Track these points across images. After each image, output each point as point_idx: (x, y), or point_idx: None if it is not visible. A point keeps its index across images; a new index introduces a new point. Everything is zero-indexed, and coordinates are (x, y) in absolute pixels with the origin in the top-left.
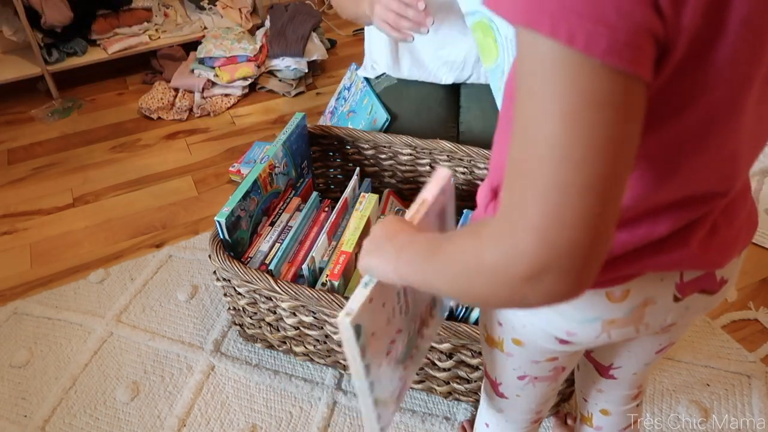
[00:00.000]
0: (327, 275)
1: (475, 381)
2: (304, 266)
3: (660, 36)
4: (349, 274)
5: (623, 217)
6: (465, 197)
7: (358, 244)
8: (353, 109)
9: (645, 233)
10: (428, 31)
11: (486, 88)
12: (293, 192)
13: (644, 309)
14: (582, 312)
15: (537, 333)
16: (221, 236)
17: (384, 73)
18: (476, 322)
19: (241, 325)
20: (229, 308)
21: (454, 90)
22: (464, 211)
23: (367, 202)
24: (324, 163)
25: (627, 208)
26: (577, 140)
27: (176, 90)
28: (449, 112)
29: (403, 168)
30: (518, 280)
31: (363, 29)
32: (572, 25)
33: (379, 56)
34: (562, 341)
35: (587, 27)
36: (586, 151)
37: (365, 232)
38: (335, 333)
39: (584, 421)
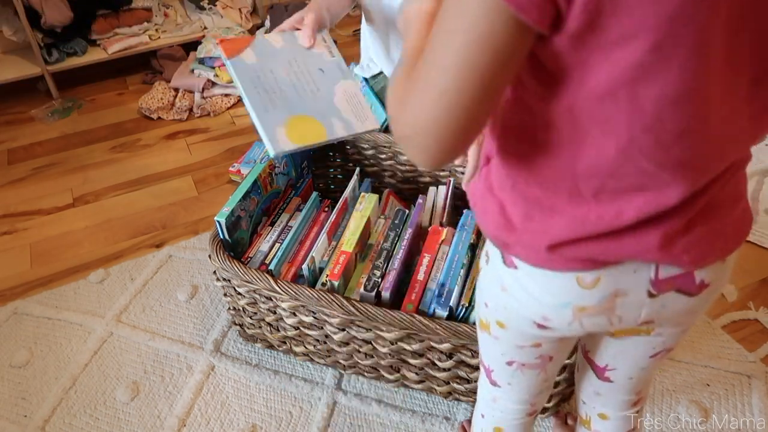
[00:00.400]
0: (327, 275)
1: (475, 381)
2: (304, 266)
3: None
4: (349, 274)
5: (592, 190)
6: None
7: (359, 244)
8: None
9: (613, 215)
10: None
11: None
12: (293, 192)
13: (615, 300)
14: (554, 296)
15: (516, 316)
16: (221, 236)
17: (381, 72)
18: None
19: (241, 325)
20: (229, 308)
21: None
22: (464, 211)
23: (367, 202)
24: (324, 163)
25: (590, 176)
26: (453, 57)
27: (176, 90)
28: None
29: (403, 168)
30: (396, 135)
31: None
32: None
33: (375, 54)
34: (540, 326)
35: None
36: (456, 68)
37: (365, 233)
38: (335, 333)
39: (583, 424)
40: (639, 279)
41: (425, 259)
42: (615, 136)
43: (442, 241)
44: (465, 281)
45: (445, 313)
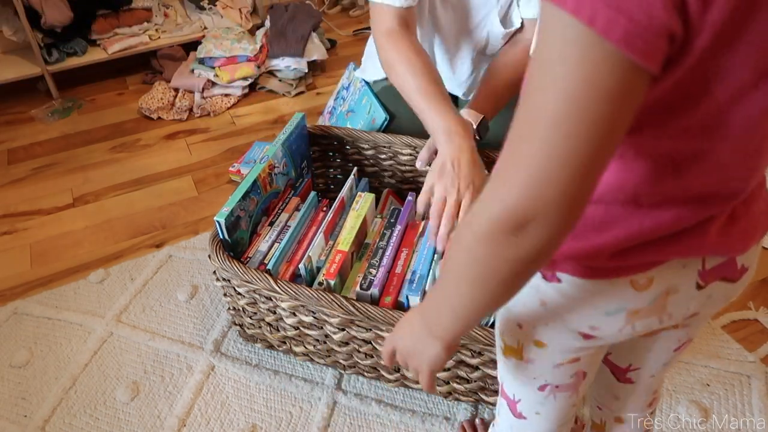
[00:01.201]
0: (323, 274)
1: (475, 381)
2: (301, 265)
3: (678, 36)
4: (345, 273)
5: (651, 203)
6: None
7: (354, 243)
8: (352, 109)
9: (671, 222)
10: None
11: None
12: (292, 192)
13: (667, 298)
14: (607, 303)
15: (560, 330)
16: (221, 236)
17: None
18: None
19: (241, 325)
20: (229, 308)
21: None
22: None
23: (363, 201)
24: (324, 163)
25: (653, 193)
26: (571, 114)
27: (176, 90)
28: None
29: (403, 168)
30: (509, 231)
31: (363, 30)
32: (595, 8)
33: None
34: (586, 336)
35: (608, 12)
36: (576, 126)
37: (361, 232)
38: (335, 333)
39: (596, 429)
40: (688, 273)
41: (403, 254)
42: (713, 160)
43: (420, 233)
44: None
45: (417, 299)
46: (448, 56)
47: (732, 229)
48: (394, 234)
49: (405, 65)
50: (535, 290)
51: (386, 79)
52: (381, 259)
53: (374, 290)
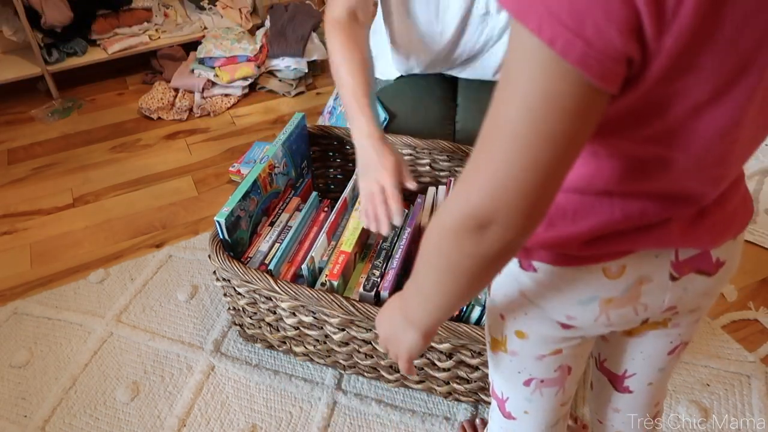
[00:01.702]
0: (326, 275)
1: (475, 381)
2: (303, 266)
3: (637, 60)
4: (348, 274)
5: (622, 196)
6: None
7: (357, 244)
8: None
9: (639, 214)
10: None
11: (483, 86)
12: (292, 192)
13: (640, 287)
14: (580, 292)
15: (539, 319)
16: (221, 236)
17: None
18: (477, 322)
19: (241, 325)
20: (229, 308)
21: (451, 87)
22: None
23: None
24: (324, 163)
25: (624, 188)
26: (530, 126)
27: (176, 90)
28: (446, 110)
29: None
30: (471, 229)
31: None
32: (554, 29)
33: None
34: (564, 326)
35: (567, 35)
36: (534, 138)
37: (364, 233)
38: (335, 333)
39: None
40: (661, 263)
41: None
42: (665, 168)
43: None
44: None
45: None
46: (434, 28)
47: (702, 224)
48: (404, 237)
49: (342, 58)
50: (515, 280)
51: (386, 79)
52: (387, 261)
53: (384, 293)
